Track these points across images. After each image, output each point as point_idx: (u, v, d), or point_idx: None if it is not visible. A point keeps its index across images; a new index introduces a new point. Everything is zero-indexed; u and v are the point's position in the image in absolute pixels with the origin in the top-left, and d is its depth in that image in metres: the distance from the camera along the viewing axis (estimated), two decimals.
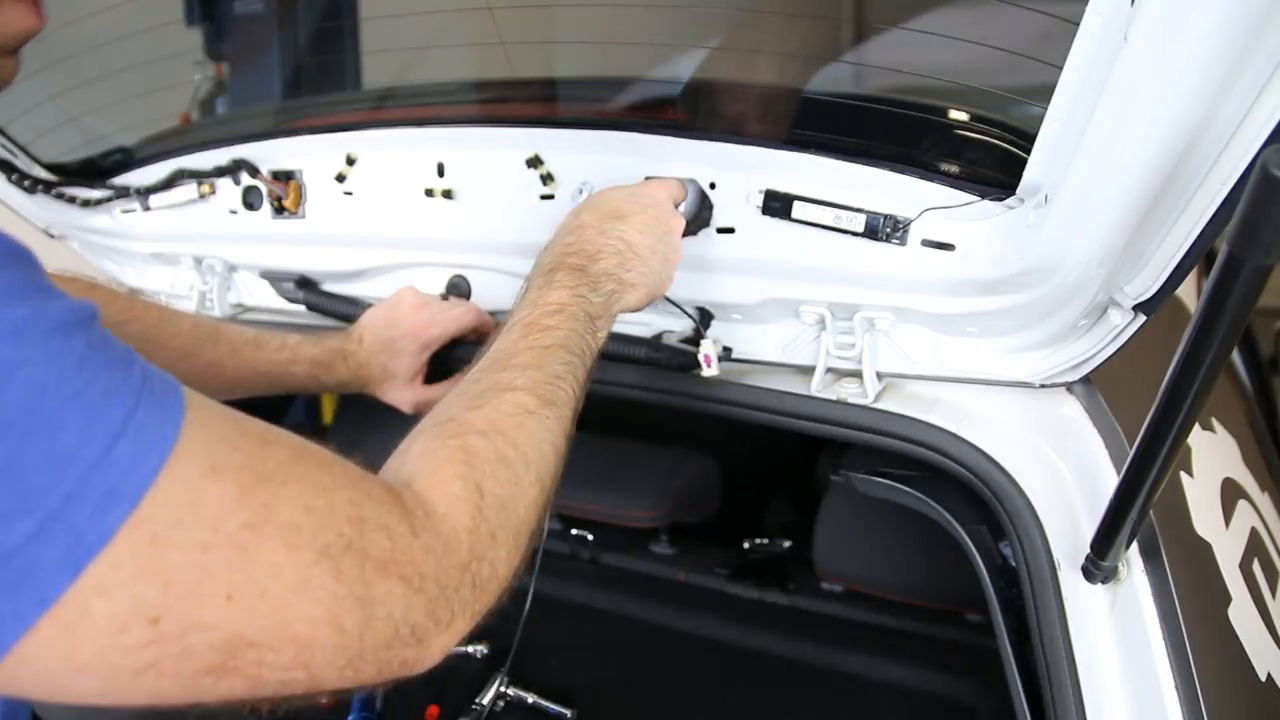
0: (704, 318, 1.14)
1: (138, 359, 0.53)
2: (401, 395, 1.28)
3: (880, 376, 1.07)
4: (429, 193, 1.26)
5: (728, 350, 1.15)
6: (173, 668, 0.51)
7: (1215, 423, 1.26)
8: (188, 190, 1.45)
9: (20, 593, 0.46)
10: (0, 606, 0.46)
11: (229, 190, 1.43)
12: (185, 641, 0.50)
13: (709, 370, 1.10)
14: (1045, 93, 0.80)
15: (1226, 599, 0.97)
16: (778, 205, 1.03)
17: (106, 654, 0.48)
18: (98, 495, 0.48)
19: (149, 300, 1.21)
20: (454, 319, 1.26)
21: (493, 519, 0.68)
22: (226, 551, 0.51)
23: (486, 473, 0.69)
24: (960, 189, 0.94)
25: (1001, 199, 0.91)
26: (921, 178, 0.95)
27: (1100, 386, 1.01)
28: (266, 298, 1.54)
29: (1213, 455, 1.19)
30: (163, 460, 0.50)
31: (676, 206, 1.03)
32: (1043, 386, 1.02)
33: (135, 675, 0.50)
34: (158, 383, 0.53)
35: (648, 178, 1.09)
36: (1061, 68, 0.77)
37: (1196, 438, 1.14)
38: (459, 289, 1.34)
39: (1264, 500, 1.26)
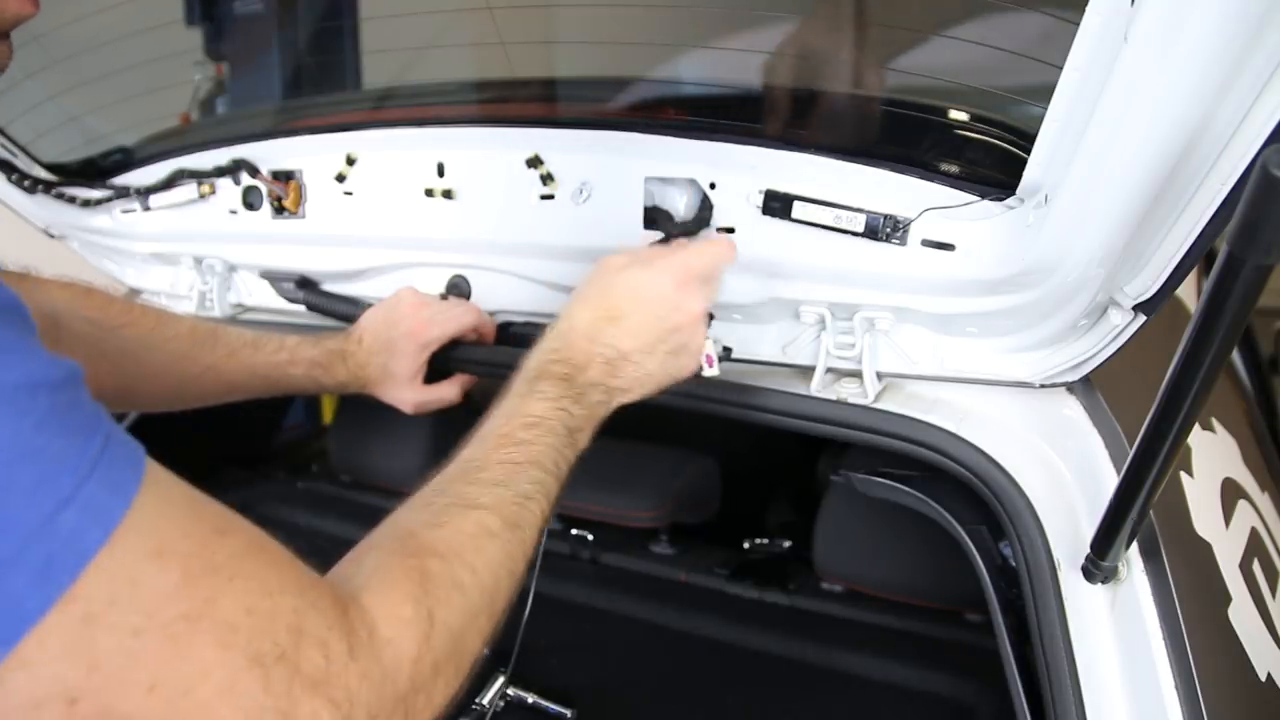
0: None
1: (105, 426, 0.52)
2: (402, 395, 1.27)
3: (880, 376, 1.07)
4: (429, 193, 1.26)
5: (728, 350, 1.15)
6: None
7: (1215, 423, 1.26)
8: (188, 190, 1.45)
9: None
10: None
11: (229, 190, 1.43)
12: None
13: (710, 370, 1.10)
14: (1045, 93, 0.80)
15: (1226, 599, 0.97)
16: (778, 205, 1.03)
17: None
18: (38, 563, 0.46)
19: (146, 305, 1.21)
20: (454, 319, 1.26)
21: (439, 649, 0.65)
22: (158, 641, 0.49)
23: (440, 599, 0.66)
24: (960, 189, 0.94)
25: (1001, 199, 0.91)
26: (921, 178, 0.95)
27: (1100, 386, 1.01)
28: (266, 298, 1.54)
29: (1213, 455, 1.19)
30: (106, 535, 0.48)
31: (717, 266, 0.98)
32: (1043, 386, 1.02)
33: None
34: (120, 451, 0.51)
35: (648, 178, 1.09)
36: (1061, 68, 0.77)
37: (1196, 438, 1.14)
38: (459, 289, 1.34)
39: (1264, 500, 1.26)
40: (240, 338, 1.21)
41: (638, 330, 0.93)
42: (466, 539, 0.72)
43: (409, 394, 1.27)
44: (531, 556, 0.78)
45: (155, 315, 1.17)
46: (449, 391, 1.30)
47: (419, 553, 0.68)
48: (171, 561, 0.51)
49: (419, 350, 1.24)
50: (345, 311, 1.41)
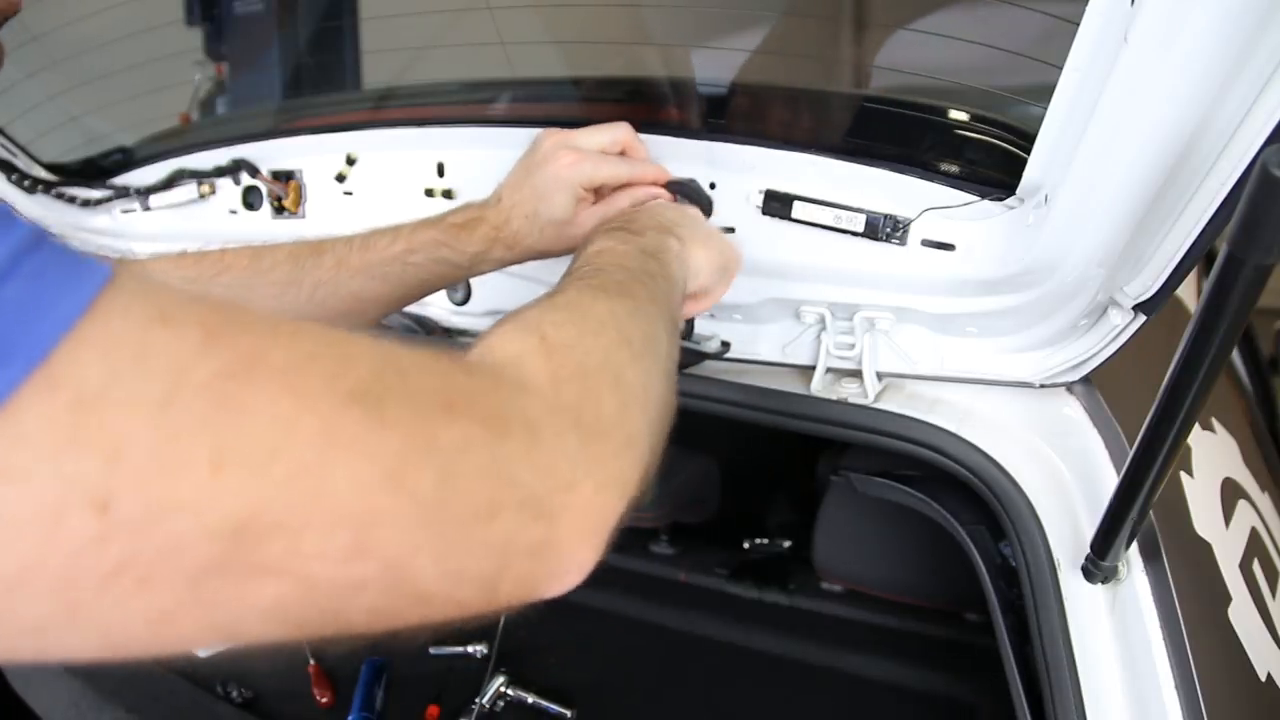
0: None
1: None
2: (565, 234, 1.02)
3: (880, 376, 1.07)
4: (429, 193, 1.26)
5: (726, 345, 1.15)
6: (158, 570, 0.36)
7: (1215, 423, 1.26)
8: (188, 190, 1.45)
9: None
10: None
11: (229, 190, 1.43)
12: (162, 529, 0.36)
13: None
14: (1045, 93, 0.80)
15: (1226, 599, 0.97)
16: (778, 205, 1.03)
17: (45, 562, 0.34)
18: None
19: (239, 248, 1.04)
20: (608, 163, 1.02)
21: (573, 362, 0.55)
22: (199, 406, 0.37)
23: (550, 323, 0.58)
24: (960, 189, 0.94)
25: (1001, 199, 0.92)
26: (921, 178, 0.95)
27: (1100, 386, 1.01)
28: None
29: (1213, 455, 1.19)
30: (83, 306, 0.35)
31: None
32: (1043, 386, 1.02)
33: (102, 588, 0.35)
34: (76, 248, 0.38)
35: None
36: (1061, 68, 0.77)
37: (1196, 438, 1.14)
38: (459, 290, 1.34)
39: (1264, 500, 1.26)
40: (348, 243, 1.04)
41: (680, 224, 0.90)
42: (575, 295, 0.65)
43: (576, 229, 1.02)
44: (659, 330, 0.68)
45: (249, 252, 1.02)
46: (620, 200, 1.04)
47: (521, 315, 0.60)
48: (185, 323, 0.38)
49: (569, 186, 1.00)
50: None
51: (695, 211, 0.97)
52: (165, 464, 0.36)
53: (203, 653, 1.45)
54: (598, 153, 1.02)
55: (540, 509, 0.47)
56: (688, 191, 1.07)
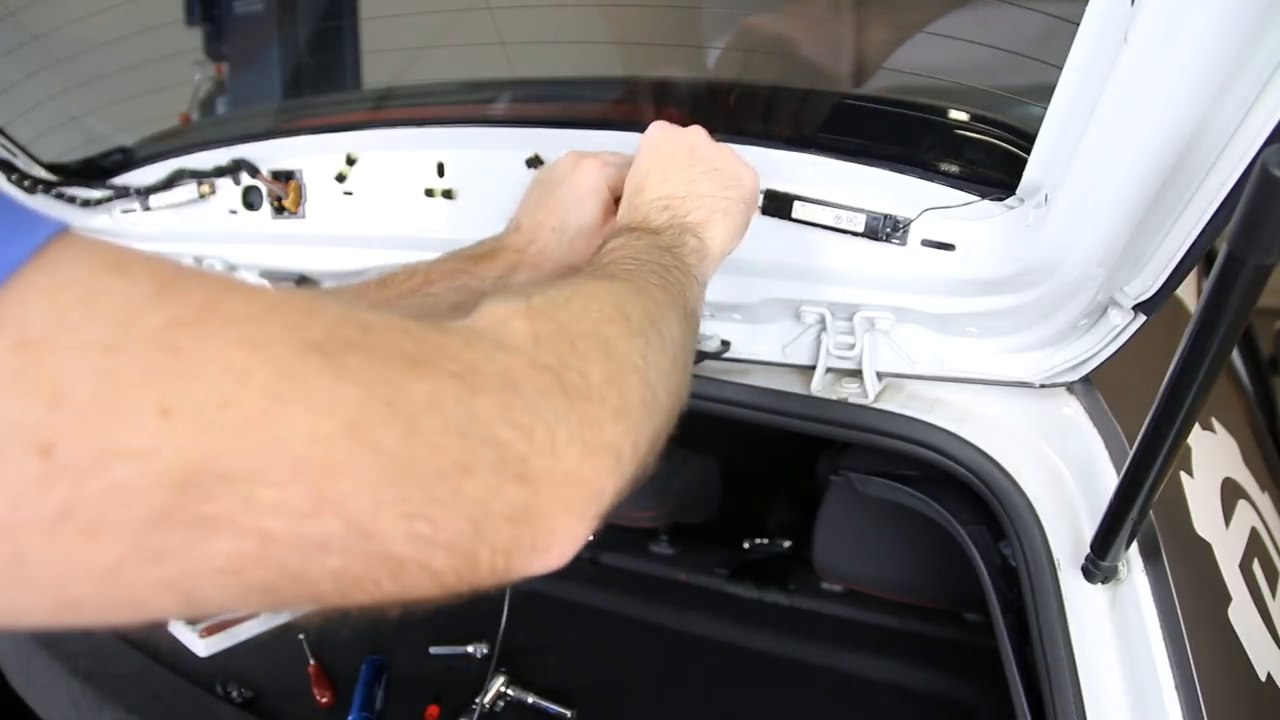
0: None
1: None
2: (599, 242, 0.97)
3: (880, 376, 1.07)
4: (429, 193, 1.26)
5: (726, 344, 1.15)
6: (105, 519, 0.35)
7: (1215, 423, 1.26)
8: (188, 190, 1.45)
9: None
10: None
11: (229, 190, 1.43)
12: (107, 476, 0.35)
13: None
14: (1045, 93, 0.80)
15: (1226, 599, 0.98)
16: (778, 205, 1.03)
17: None
18: None
19: None
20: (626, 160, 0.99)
21: (555, 325, 0.53)
22: (148, 353, 0.36)
23: (544, 300, 0.56)
24: (960, 189, 0.94)
25: (1001, 199, 0.92)
26: (921, 178, 0.95)
27: (1100, 386, 1.01)
28: None
29: (1213, 455, 1.19)
30: (30, 250, 0.35)
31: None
32: (1043, 386, 1.02)
33: (47, 536, 0.34)
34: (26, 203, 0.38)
35: None
36: (1061, 68, 0.77)
37: (1196, 438, 1.14)
38: None
39: (1264, 500, 1.26)
40: (364, 285, 1.01)
41: (665, 177, 0.86)
42: (571, 280, 0.63)
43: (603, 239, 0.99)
44: (666, 315, 0.65)
45: None
46: None
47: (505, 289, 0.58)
48: (139, 273, 0.37)
49: (598, 189, 0.97)
50: None
51: (701, 176, 0.88)
52: (110, 409, 0.35)
53: (202, 653, 1.46)
54: (617, 161, 1.00)
55: (520, 471, 0.45)
56: None
